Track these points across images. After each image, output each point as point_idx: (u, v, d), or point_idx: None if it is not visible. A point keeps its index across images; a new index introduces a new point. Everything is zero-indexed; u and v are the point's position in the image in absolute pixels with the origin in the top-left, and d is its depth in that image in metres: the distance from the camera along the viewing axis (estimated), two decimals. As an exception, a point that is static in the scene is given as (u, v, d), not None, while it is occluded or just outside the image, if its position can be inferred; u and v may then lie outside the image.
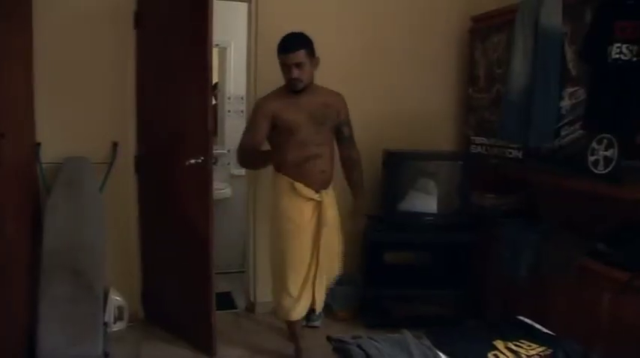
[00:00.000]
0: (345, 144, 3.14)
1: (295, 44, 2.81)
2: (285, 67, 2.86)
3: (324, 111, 2.94)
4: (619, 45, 2.53)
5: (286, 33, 2.83)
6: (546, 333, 2.25)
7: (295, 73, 2.82)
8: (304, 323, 3.62)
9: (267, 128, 2.92)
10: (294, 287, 2.97)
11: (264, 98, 3.03)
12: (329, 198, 3.01)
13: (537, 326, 2.32)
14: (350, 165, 3.17)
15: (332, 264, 3.13)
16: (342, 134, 3.10)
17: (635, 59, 2.51)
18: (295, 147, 2.86)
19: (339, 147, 3.15)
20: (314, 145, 2.91)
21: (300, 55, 2.80)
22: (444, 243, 3.62)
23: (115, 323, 3.41)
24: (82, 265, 3.09)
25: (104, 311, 3.20)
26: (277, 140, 2.93)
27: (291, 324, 3.16)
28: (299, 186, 2.91)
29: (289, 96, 2.92)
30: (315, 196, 2.94)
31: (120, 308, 3.44)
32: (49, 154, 3.27)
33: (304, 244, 2.95)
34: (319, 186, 2.95)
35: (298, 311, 3.04)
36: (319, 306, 3.12)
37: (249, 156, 2.99)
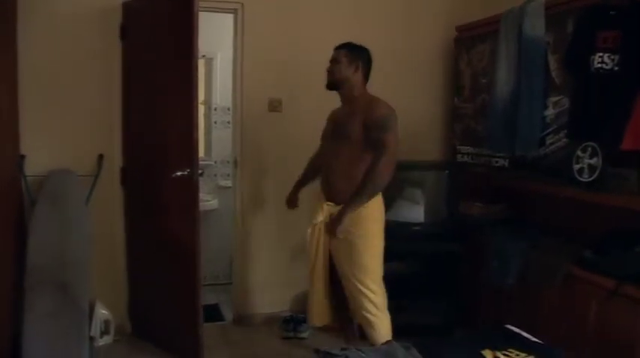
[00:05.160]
0: (374, 151, 2.75)
1: (340, 45, 2.96)
2: None
3: (346, 121, 2.85)
4: (601, 54, 2.57)
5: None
6: (534, 342, 2.25)
7: (329, 66, 2.95)
8: (292, 334, 3.61)
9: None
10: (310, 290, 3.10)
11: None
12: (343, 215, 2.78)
13: (525, 334, 2.32)
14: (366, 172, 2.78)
15: (347, 282, 2.93)
16: (369, 138, 2.75)
17: (616, 68, 2.54)
18: (324, 155, 3.04)
19: None
20: (329, 156, 2.98)
21: (339, 53, 2.93)
22: (432, 252, 3.61)
23: (101, 337, 3.37)
24: (68, 279, 3.05)
25: (90, 325, 3.17)
26: None
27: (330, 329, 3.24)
28: (319, 191, 3.03)
29: (341, 106, 3.02)
30: (319, 202, 2.97)
31: (106, 322, 3.40)
32: (34, 167, 3.24)
33: (314, 244, 2.99)
34: (328, 197, 2.94)
35: (312, 315, 3.12)
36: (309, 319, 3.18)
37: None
